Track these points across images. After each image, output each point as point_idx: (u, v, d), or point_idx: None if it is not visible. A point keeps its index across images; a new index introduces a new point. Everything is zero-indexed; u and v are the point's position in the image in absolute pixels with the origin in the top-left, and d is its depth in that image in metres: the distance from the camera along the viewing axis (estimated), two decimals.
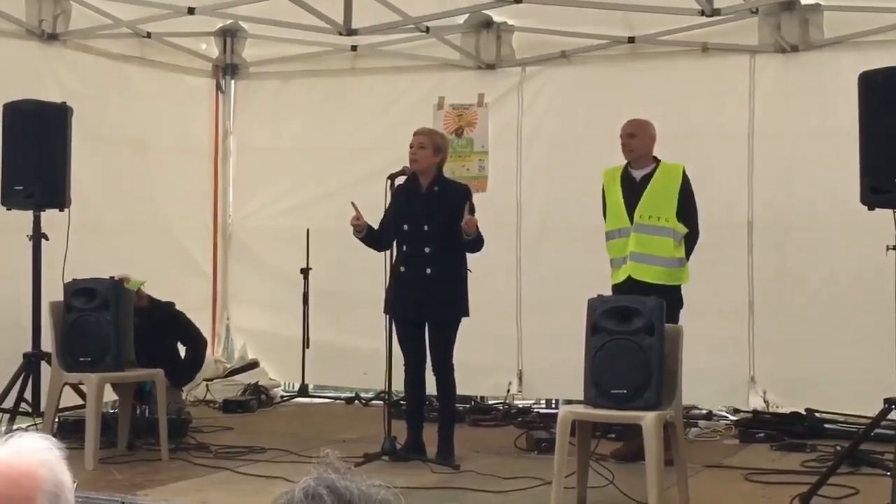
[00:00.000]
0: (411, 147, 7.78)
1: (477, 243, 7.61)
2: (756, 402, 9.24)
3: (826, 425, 8.63)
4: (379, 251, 7.78)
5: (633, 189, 7.75)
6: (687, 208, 7.70)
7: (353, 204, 7.69)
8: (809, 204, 9.05)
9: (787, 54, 9.19)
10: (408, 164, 7.77)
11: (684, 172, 7.74)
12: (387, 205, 7.72)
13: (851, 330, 8.75)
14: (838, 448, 7.58)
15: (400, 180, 7.74)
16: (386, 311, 7.74)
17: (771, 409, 9.16)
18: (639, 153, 7.79)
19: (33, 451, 2.03)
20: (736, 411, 9.33)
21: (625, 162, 7.85)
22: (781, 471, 7.36)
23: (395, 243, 7.69)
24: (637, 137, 7.79)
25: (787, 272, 9.19)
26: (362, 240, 7.79)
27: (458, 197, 7.73)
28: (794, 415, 8.87)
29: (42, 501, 1.99)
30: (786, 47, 9.16)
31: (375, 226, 7.79)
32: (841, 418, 8.72)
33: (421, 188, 7.78)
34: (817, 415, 8.78)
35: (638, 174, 7.78)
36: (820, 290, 9.00)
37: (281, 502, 1.80)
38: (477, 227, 7.51)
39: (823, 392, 8.85)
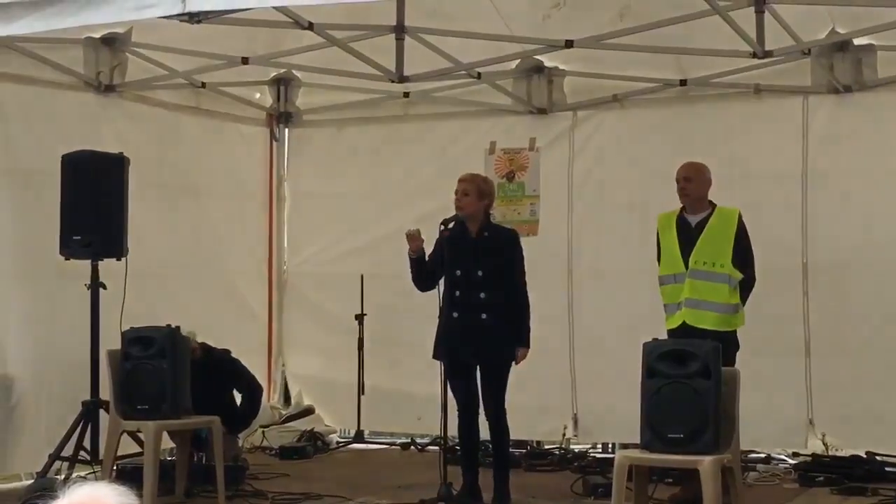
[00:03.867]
0: (456, 194, 7.82)
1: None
2: (815, 445, 9.14)
3: (887, 468, 8.53)
4: (422, 289, 7.84)
5: (688, 234, 7.71)
6: (743, 254, 7.66)
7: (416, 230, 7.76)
8: (865, 244, 8.98)
9: (840, 95, 9.14)
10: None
11: (740, 217, 7.70)
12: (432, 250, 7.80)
13: None
14: None
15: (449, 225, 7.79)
16: (435, 357, 7.75)
17: (830, 452, 9.06)
18: (694, 197, 7.76)
19: (114, 495, 2.09)
20: (795, 455, 9.23)
21: (679, 206, 7.83)
22: None
23: (443, 288, 7.71)
24: (693, 181, 7.77)
25: (843, 313, 9.10)
26: (415, 262, 7.81)
27: (507, 242, 7.82)
28: (855, 458, 8.77)
29: None
30: (839, 88, 9.11)
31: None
32: None
33: (470, 234, 7.81)
34: (878, 457, 8.68)
35: (693, 219, 7.75)
36: (878, 330, 8.90)
37: None
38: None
39: (884, 434, 8.74)
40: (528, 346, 7.73)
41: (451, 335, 7.65)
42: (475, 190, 7.82)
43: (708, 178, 7.82)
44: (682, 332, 7.50)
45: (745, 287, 7.68)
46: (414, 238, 7.78)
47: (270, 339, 11.19)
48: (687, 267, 7.64)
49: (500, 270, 7.69)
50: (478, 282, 7.67)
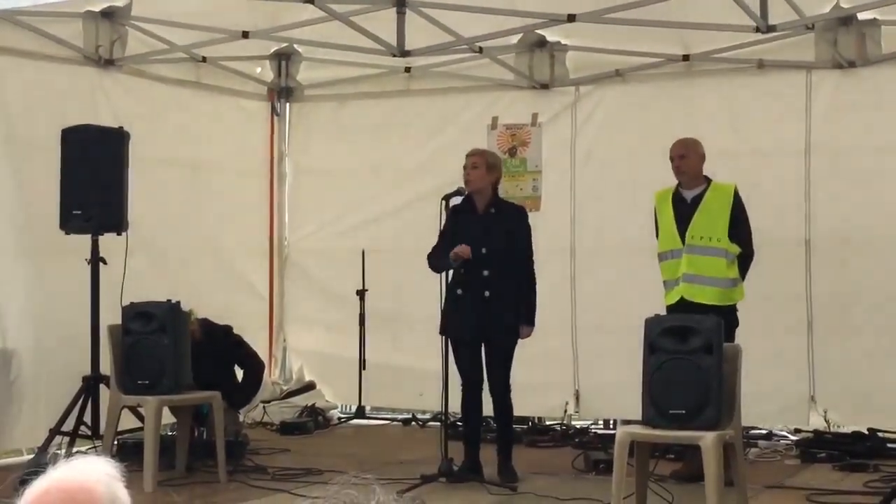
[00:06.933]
0: (465, 168, 7.79)
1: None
2: (817, 422, 9.13)
3: (889, 445, 8.52)
4: (437, 271, 7.77)
5: (684, 210, 7.70)
6: (739, 228, 7.63)
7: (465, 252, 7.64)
8: (868, 220, 8.95)
9: (844, 70, 9.10)
10: (462, 185, 7.78)
11: (736, 192, 7.67)
12: (441, 226, 7.73)
13: None
14: None
15: (455, 201, 7.74)
16: (442, 332, 7.73)
17: (832, 429, 9.05)
18: (690, 174, 7.75)
19: (91, 470, 2.04)
20: (797, 431, 9.23)
21: (676, 182, 7.81)
22: (844, 491, 7.26)
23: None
24: (687, 158, 7.75)
25: (846, 289, 9.07)
26: (448, 267, 7.73)
27: (515, 219, 7.78)
28: (856, 434, 8.76)
29: None
30: (843, 63, 9.06)
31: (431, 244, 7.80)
32: None
33: (476, 209, 7.78)
34: (880, 434, 8.67)
35: (689, 195, 7.73)
36: (881, 307, 8.87)
37: None
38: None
39: (886, 410, 8.73)
40: (532, 324, 7.72)
41: (457, 313, 7.62)
42: (484, 163, 7.79)
43: (701, 153, 7.80)
44: (681, 307, 7.49)
45: (744, 262, 7.67)
46: (464, 256, 7.62)
47: (272, 314, 11.18)
48: (684, 242, 7.63)
49: (507, 247, 7.66)
50: (482, 259, 7.64)
